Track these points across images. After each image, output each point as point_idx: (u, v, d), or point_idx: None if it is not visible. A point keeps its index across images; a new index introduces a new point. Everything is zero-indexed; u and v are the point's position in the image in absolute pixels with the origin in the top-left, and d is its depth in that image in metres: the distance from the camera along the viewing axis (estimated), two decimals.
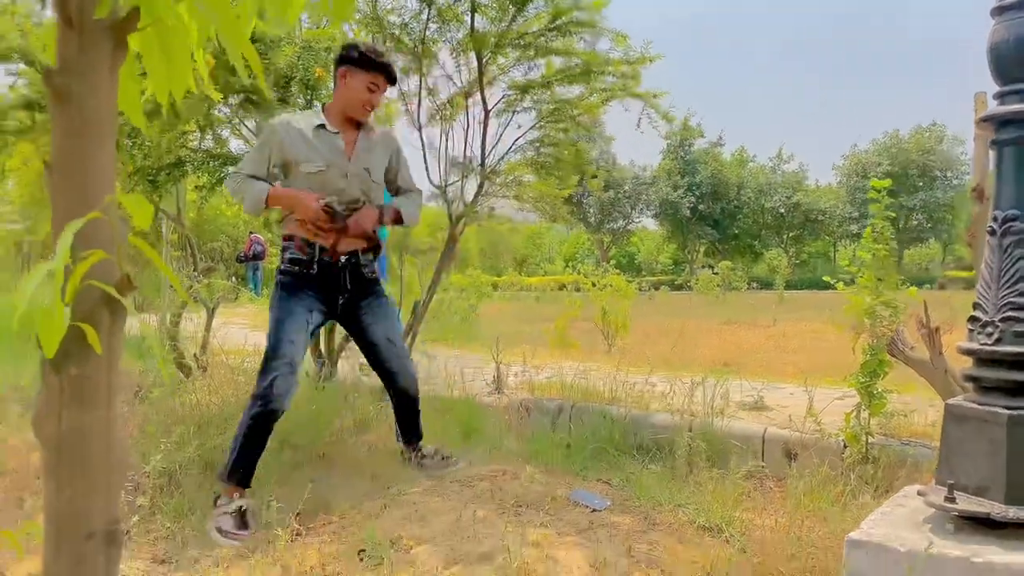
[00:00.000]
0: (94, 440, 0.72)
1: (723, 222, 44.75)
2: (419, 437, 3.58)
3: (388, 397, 3.60)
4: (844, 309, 3.62)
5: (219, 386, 5.14)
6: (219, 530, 2.86)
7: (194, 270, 6.19)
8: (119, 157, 4.35)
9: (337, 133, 3.22)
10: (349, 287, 3.26)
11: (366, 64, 3.14)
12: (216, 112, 4.46)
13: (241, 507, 2.92)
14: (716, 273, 24.85)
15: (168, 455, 3.31)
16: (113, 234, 0.71)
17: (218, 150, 4.66)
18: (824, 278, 4.03)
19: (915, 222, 43.25)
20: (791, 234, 46.76)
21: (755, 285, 30.74)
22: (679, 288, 34.94)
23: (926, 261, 48.22)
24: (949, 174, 42.47)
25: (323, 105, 3.34)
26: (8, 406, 4.44)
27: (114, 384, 0.74)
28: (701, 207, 43.81)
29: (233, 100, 4.33)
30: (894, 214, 3.67)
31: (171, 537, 2.85)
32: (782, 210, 45.11)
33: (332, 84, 3.33)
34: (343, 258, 3.21)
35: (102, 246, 0.70)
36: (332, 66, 3.34)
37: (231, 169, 3.19)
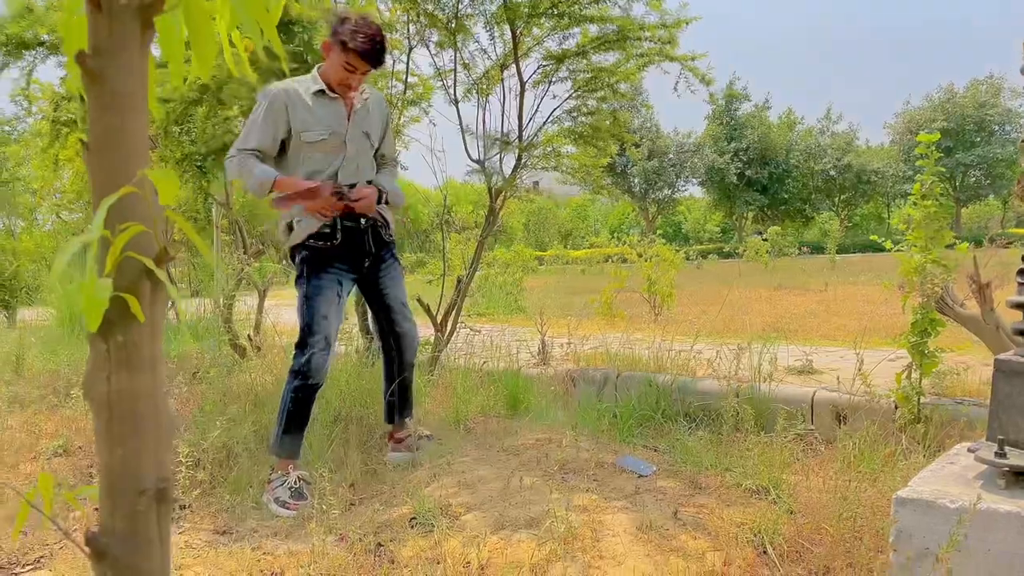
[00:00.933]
0: (142, 402, 0.76)
1: (771, 187, 43.88)
2: (411, 413, 3.54)
3: (386, 377, 3.54)
4: (899, 270, 3.54)
5: (272, 364, 5.29)
6: (277, 501, 2.96)
7: (244, 253, 6.33)
8: (168, 144, 4.47)
9: (336, 98, 3.13)
10: (372, 249, 3.26)
11: (342, 44, 3.00)
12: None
13: (296, 479, 3.01)
14: (765, 239, 24.40)
15: (226, 431, 3.43)
16: (149, 208, 0.75)
17: None
18: (871, 237, 3.95)
19: (973, 179, 41.85)
20: (842, 196, 45.66)
21: (806, 250, 30.13)
22: (728, 256, 34.43)
23: (985, 218, 46.62)
24: (1008, 128, 40.87)
25: (318, 68, 3.20)
26: (75, 389, 4.62)
27: (157, 351, 0.78)
28: (748, 172, 43.01)
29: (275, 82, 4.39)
30: (944, 169, 3.55)
31: (231, 509, 2.96)
32: (832, 172, 44.05)
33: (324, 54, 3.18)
34: (363, 220, 3.20)
35: (139, 220, 0.74)
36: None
37: (234, 147, 3.09)
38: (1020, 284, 2.13)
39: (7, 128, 13.87)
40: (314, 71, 3.18)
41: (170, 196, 0.69)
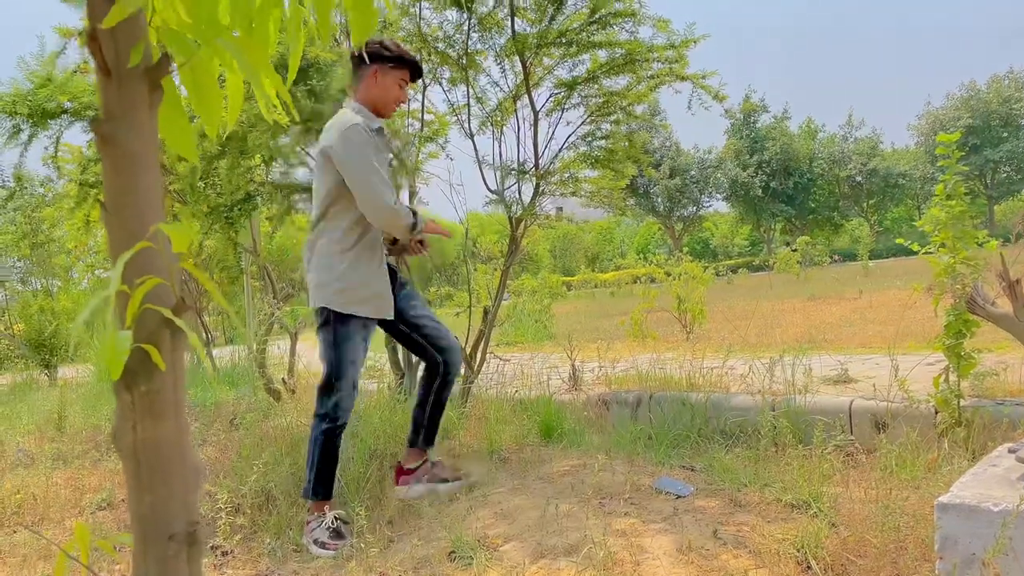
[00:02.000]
0: (167, 448, 0.79)
1: (797, 197, 43.50)
2: (433, 443, 3.51)
3: (422, 395, 3.47)
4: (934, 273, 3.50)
5: (307, 407, 5.34)
6: (316, 542, 2.98)
7: (274, 298, 6.42)
8: (195, 199, 4.58)
9: (383, 130, 3.17)
10: (392, 288, 3.27)
11: (399, 62, 3.09)
12: (278, 142, 4.63)
13: (332, 519, 3.03)
14: (795, 250, 24.17)
15: (263, 475, 3.46)
16: (165, 260, 0.78)
17: (285, 180, 4.84)
18: (898, 240, 3.91)
19: (1004, 175, 41.14)
20: (871, 202, 45.13)
21: (837, 258, 29.76)
22: (758, 269, 34.15)
23: (1020, 215, 45.74)
24: None
25: (351, 105, 3.13)
26: None
27: (180, 398, 0.80)
28: (773, 184, 42.71)
29: (293, 128, 4.49)
30: (967, 167, 3.53)
31: (272, 553, 2.98)
32: (859, 178, 43.61)
33: (355, 83, 3.16)
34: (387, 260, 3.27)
35: (156, 272, 0.77)
36: (353, 65, 3.18)
37: (380, 194, 2.98)
38: None
39: (41, 191, 14.30)
40: (350, 106, 3.11)
41: (183, 246, 0.72)
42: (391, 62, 3.11)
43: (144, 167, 0.79)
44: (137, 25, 0.78)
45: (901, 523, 2.35)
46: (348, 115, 3.03)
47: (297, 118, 3.81)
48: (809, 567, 2.26)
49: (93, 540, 0.89)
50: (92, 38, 0.78)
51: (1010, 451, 2.17)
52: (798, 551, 2.34)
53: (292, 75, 1.49)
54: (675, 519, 2.75)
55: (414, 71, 3.18)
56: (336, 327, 3.10)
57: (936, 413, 3.41)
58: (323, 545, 2.97)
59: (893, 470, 2.85)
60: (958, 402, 3.29)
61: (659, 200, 44.32)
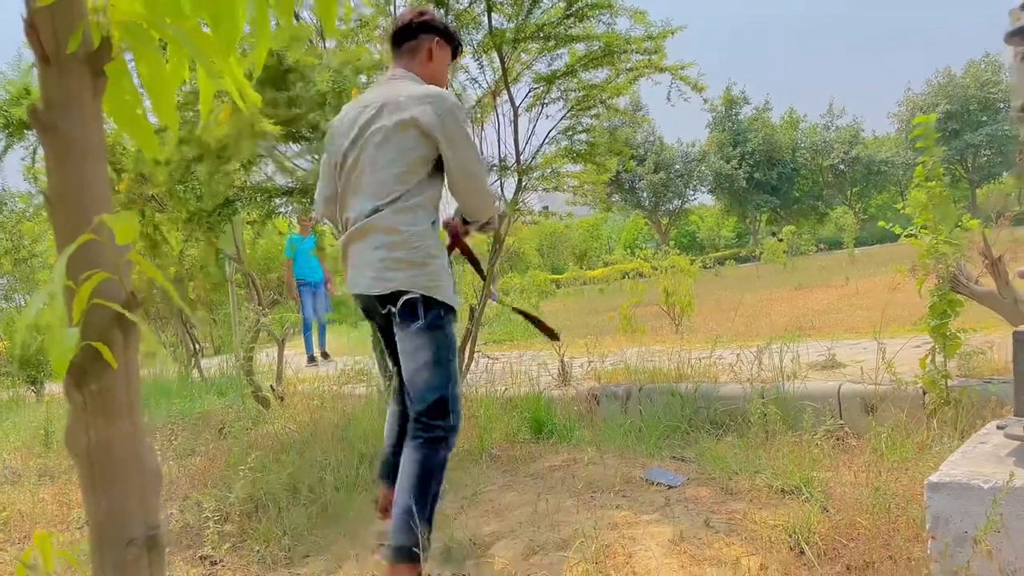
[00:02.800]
0: (123, 450, 0.76)
1: (782, 187, 43.64)
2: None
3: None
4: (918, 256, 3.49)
5: (296, 413, 5.30)
6: None
7: (259, 305, 6.37)
8: (174, 204, 4.53)
9: None
10: None
11: (450, 38, 2.78)
12: (259, 145, 4.57)
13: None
14: (781, 240, 24.23)
15: (251, 483, 3.42)
16: (112, 254, 0.75)
17: (265, 184, 4.79)
18: (880, 224, 3.91)
19: (984, 158, 41.44)
20: (854, 190, 45.33)
21: (823, 247, 29.85)
22: (745, 260, 34.19)
23: (1001, 198, 46.14)
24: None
25: (408, 75, 2.70)
26: None
27: (135, 397, 0.77)
28: (757, 175, 42.82)
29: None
30: (944, 148, 3.51)
31: (262, 560, 2.95)
32: (842, 166, 43.78)
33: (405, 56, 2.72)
34: None
35: (104, 267, 0.74)
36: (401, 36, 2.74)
37: (482, 174, 2.62)
38: None
39: (22, 206, 14.15)
40: (411, 78, 2.69)
41: (128, 237, 0.69)
42: (445, 37, 2.77)
43: (89, 157, 0.76)
44: (76, 11, 0.75)
45: (892, 504, 2.34)
46: (430, 87, 2.61)
47: (259, 105, 3.66)
48: (802, 552, 2.24)
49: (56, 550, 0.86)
50: (31, 25, 0.75)
51: (998, 428, 2.16)
52: (790, 536, 2.33)
53: (259, 67, 1.46)
54: (667, 510, 2.73)
55: (456, 51, 2.88)
56: (446, 320, 2.55)
57: (924, 394, 3.41)
58: None
59: (883, 452, 2.84)
60: (945, 382, 3.29)
61: (645, 195, 44.35)
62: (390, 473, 2.77)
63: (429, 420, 2.48)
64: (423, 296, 2.47)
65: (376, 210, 2.53)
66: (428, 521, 2.43)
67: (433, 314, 2.50)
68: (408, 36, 2.73)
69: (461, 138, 2.52)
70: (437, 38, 2.75)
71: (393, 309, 2.49)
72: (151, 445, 0.79)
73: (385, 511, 2.73)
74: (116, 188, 4.53)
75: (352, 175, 2.62)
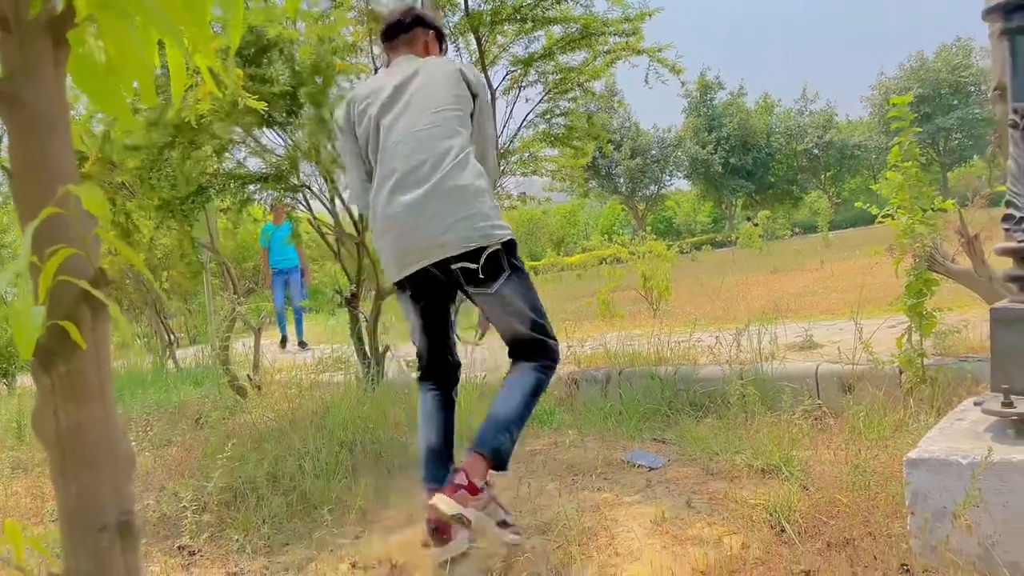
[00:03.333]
0: (94, 434, 0.73)
1: (757, 172, 43.93)
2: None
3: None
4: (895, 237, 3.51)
5: (274, 402, 5.25)
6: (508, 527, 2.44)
7: (235, 293, 6.30)
8: (145, 192, 4.44)
9: None
10: None
11: (442, 37, 2.89)
12: (233, 132, 4.49)
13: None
14: (756, 224, 24.40)
15: (229, 472, 3.38)
16: (79, 229, 0.72)
17: (238, 171, 4.72)
18: (856, 204, 3.93)
19: (955, 142, 41.97)
20: (828, 174, 45.76)
21: (798, 231, 30.13)
22: (722, 245, 34.42)
23: (973, 180, 46.78)
24: (983, 87, 41.02)
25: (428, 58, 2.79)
26: None
27: (106, 379, 0.74)
28: (732, 160, 43.06)
29: (248, 119, 4.37)
30: (919, 129, 3.54)
31: (241, 549, 2.91)
32: (816, 151, 44.15)
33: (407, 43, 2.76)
34: None
35: (70, 242, 0.71)
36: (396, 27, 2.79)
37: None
38: (1007, 231, 2.11)
39: None
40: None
41: (98, 208, 0.66)
42: (436, 33, 2.85)
43: (52, 129, 0.73)
44: None
45: (871, 482, 2.36)
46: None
47: (234, 85, 3.55)
48: (783, 530, 2.26)
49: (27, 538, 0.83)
50: None
51: (975, 404, 2.19)
52: (771, 515, 2.34)
53: (235, 43, 1.41)
54: (648, 491, 2.74)
55: (443, 49, 2.93)
56: (520, 261, 2.54)
57: (901, 373, 3.44)
58: (515, 532, 2.42)
59: (861, 431, 2.87)
60: (922, 361, 3.32)
61: (621, 181, 44.44)
62: (440, 473, 2.55)
63: (542, 359, 2.53)
64: (503, 244, 2.44)
65: (437, 167, 2.44)
66: (514, 442, 2.42)
67: (513, 259, 2.49)
68: (402, 29, 2.78)
69: (488, 103, 2.64)
70: (431, 32, 2.81)
71: (472, 266, 2.40)
72: (123, 429, 0.77)
73: (437, 531, 2.30)
74: (82, 170, 4.43)
75: (398, 133, 2.51)
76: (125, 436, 0.77)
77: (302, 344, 9.80)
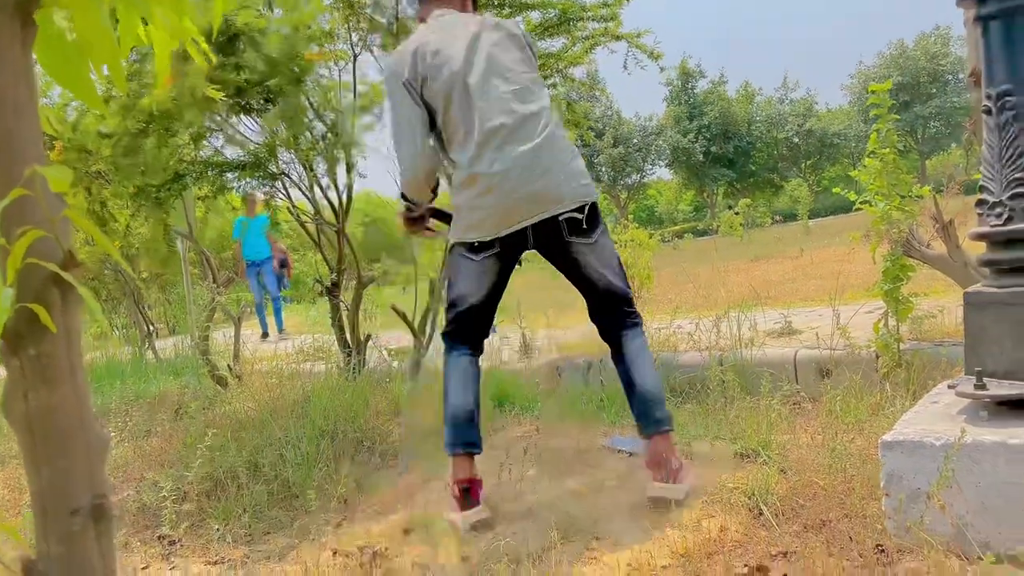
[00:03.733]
0: (65, 417, 0.72)
1: (738, 160, 44.12)
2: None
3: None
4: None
5: (255, 392, 5.22)
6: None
7: (214, 283, 6.26)
8: (119, 179, 4.39)
9: None
10: None
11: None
12: (209, 119, 4.45)
13: None
14: (737, 213, 24.53)
15: (211, 460, 3.37)
16: (47, 211, 0.71)
17: (215, 159, 4.67)
18: (834, 190, 3.96)
19: (933, 130, 42.33)
20: (808, 162, 46.03)
21: (779, 219, 30.33)
22: (703, 234, 34.57)
23: (950, 168, 47.23)
24: (961, 76, 41.37)
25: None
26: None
27: (77, 361, 0.74)
28: (714, 149, 43.21)
29: (222, 106, 4.32)
30: (898, 116, 3.58)
31: (222, 538, 2.90)
32: (796, 139, 44.40)
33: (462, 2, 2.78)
34: None
35: (38, 225, 0.70)
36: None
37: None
38: (980, 216, 2.14)
39: None
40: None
41: (62, 186, 0.66)
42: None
43: (19, 110, 0.72)
44: None
45: (847, 464, 2.39)
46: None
47: (215, 64, 3.44)
48: (760, 513, 2.28)
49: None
50: None
51: (949, 387, 2.22)
52: (749, 498, 2.36)
53: (217, 23, 1.40)
54: (629, 476, 2.76)
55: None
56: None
57: (877, 358, 3.48)
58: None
59: (838, 415, 2.90)
60: (898, 345, 3.36)
61: (603, 170, 44.47)
62: (474, 435, 2.62)
63: (633, 317, 2.66)
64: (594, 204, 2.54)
65: (538, 124, 2.47)
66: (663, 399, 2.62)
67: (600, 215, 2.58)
68: None
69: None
70: None
71: (578, 215, 2.47)
72: (95, 412, 0.76)
73: (467, 493, 2.49)
74: (49, 156, 4.38)
75: (494, 90, 2.48)
76: (97, 419, 0.77)
77: (282, 332, 9.88)
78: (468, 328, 2.71)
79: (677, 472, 2.46)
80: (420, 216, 2.84)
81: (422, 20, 2.78)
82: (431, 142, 2.66)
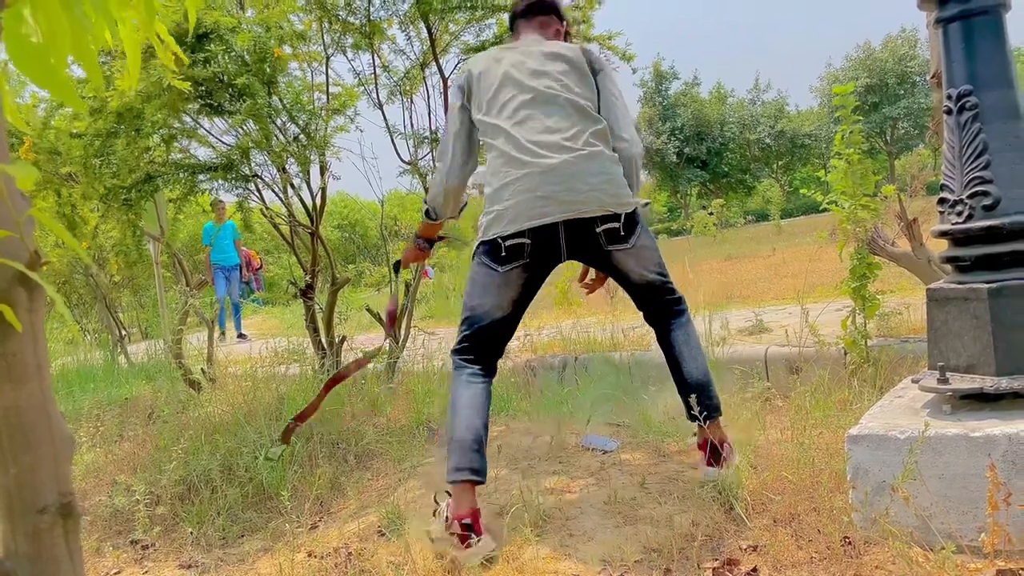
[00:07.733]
0: (31, 415, 0.72)
1: (711, 161, 44.43)
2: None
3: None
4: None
5: (230, 395, 5.18)
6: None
7: (187, 286, 6.20)
8: (89, 180, 4.33)
9: None
10: None
11: (569, 32, 2.98)
12: (178, 120, 4.40)
13: None
14: (711, 213, 24.71)
15: (183, 464, 3.34)
16: (11, 212, 0.71)
17: (186, 160, 4.63)
18: (802, 191, 4.02)
19: (902, 131, 42.92)
20: (780, 163, 46.47)
21: (751, 219, 30.62)
22: (677, 234, 34.77)
23: (919, 169, 47.96)
24: (927, 77, 42.02)
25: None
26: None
27: (43, 360, 0.74)
28: (687, 150, 43.47)
29: (192, 107, 4.29)
30: (860, 117, 3.63)
31: (196, 542, 2.89)
32: (768, 140, 44.77)
33: (536, 27, 2.82)
34: None
35: (3, 224, 0.70)
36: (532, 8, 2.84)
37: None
38: (941, 213, 2.18)
39: None
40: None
41: (27, 184, 0.66)
42: (567, 27, 2.93)
43: None
44: None
45: (816, 459, 2.43)
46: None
47: (168, 63, 3.42)
48: (731, 508, 2.31)
49: None
50: None
51: (913, 382, 2.26)
52: (720, 494, 2.40)
53: (192, 20, 1.39)
54: (602, 473, 2.78)
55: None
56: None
57: (845, 354, 3.54)
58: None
59: (807, 410, 2.94)
60: (865, 342, 3.42)
61: None
62: (482, 465, 2.44)
63: (678, 305, 2.71)
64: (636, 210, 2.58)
65: (585, 131, 2.50)
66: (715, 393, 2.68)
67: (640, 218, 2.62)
68: (540, 11, 2.80)
69: (613, 73, 2.72)
70: (565, 23, 2.87)
71: (615, 225, 2.48)
72: (60, 411, 0.77)
73: (470, 528, 2.32)
74: (15, 154, 4.31)
75: (553, 99, 2.51)
76: (62, 417, 0.77)
77: (241, 336, 10.32)
78: (482, 347, 2.58)
79: (728, 458, 2.54)
80: (425, 252, 2.99)
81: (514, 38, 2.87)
82: (470, 160, 2.71)
